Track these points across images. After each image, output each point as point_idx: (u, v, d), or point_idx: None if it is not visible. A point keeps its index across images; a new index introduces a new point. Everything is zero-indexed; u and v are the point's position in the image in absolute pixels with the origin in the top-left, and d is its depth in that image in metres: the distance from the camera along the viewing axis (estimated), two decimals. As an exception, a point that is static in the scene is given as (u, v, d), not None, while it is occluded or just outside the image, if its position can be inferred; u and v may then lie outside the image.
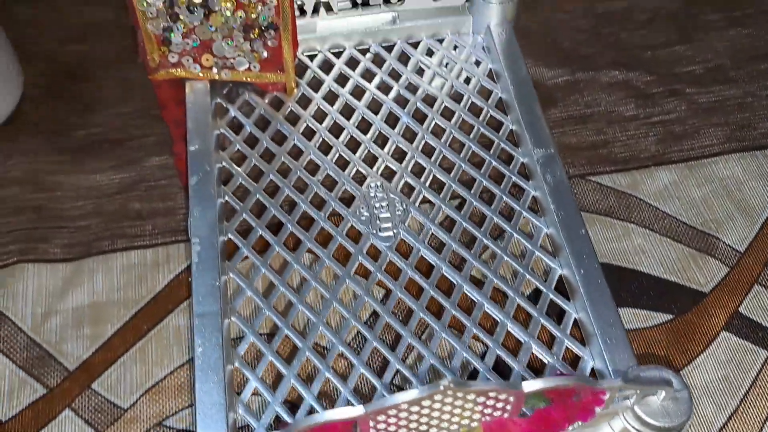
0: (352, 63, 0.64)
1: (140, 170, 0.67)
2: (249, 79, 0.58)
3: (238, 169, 0.56)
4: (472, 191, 0.56)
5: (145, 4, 0.53)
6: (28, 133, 0.69)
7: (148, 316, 0.60)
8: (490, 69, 0.62)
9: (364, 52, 0.64)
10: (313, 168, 0.58)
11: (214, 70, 0.57)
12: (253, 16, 0.54)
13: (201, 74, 0.57)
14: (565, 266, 0.51)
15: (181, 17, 0.54)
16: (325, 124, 0.60)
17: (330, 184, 0.57)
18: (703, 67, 0.72)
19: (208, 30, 0.55)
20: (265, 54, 0.57)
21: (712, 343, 0.57)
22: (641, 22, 0.76)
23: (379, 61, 0.64)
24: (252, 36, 0.56)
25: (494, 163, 0.57)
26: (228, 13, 0.54)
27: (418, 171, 0.58)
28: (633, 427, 0.43)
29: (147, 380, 0.57)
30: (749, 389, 0.55)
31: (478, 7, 0.62)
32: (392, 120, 0.61)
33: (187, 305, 0.60)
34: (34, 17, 0.78)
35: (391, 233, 0.54)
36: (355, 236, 0.54)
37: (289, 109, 0.60)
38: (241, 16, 0.54)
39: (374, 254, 0.53)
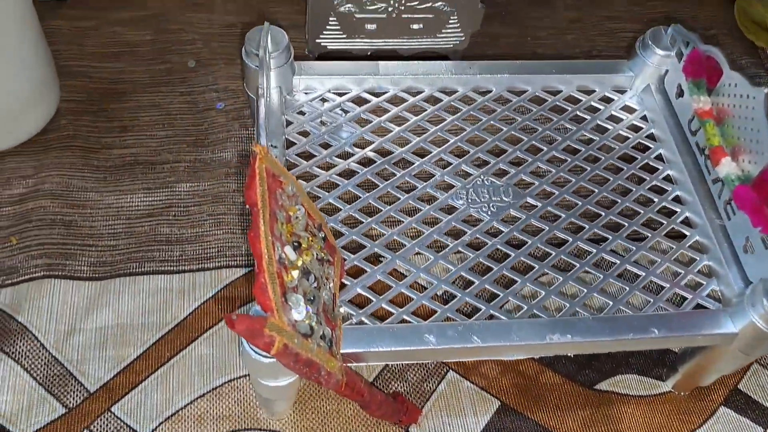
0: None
1: (171, 195, 0.68)
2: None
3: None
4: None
5: None
6: (61, 147, 0.69)
7: (171, 342, 0.59)
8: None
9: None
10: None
11: None
12: None
13: None
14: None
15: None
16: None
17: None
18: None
19: None
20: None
21: None
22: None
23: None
24: None
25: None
26: None
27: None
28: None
29: (167, 408, 0.57)
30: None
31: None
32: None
33: (211, 334, 0.61)
34: (73, 34, 0.78)
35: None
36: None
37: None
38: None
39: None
